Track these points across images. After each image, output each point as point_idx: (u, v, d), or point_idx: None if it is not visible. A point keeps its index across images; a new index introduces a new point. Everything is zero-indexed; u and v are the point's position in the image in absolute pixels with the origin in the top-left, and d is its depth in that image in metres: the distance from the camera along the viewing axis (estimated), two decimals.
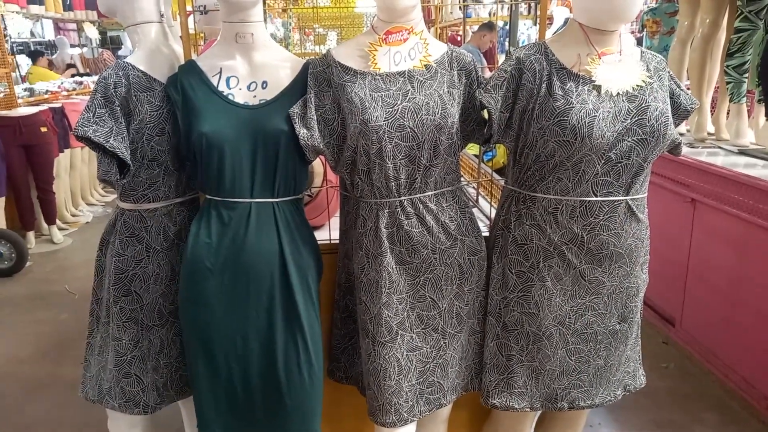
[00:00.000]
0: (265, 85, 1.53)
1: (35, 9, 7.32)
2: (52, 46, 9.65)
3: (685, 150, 3.23)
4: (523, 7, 5.87)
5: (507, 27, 6.17)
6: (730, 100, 3.25)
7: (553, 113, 1.48)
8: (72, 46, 9.82)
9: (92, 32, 9.03)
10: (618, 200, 1.54)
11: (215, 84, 1.52)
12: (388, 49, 1.52)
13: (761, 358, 2.51)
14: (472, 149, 2.82)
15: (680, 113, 1.64)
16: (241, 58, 1.54)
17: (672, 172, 3.12)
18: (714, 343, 2.85)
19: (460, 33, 6.22)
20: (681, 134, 3.66)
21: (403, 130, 1.47)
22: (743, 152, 3.07)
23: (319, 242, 1.69)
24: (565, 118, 1.46)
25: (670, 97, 1.61)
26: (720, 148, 3.25)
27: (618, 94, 1.50)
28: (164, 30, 1.62)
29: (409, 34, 1.53)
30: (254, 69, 1.54)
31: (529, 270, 1.61)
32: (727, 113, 3.38)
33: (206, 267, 1.50)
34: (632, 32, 5.84)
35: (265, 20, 1.65)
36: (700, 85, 3.50)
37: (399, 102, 1.48)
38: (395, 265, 1.57)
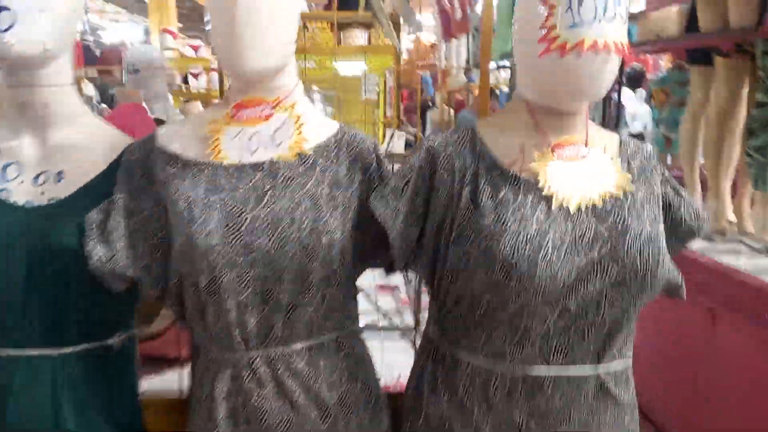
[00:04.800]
0: (60, 176, 1.05)
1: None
2: None
3: (700, 245, 2.68)
4: None
5: (510, 92, 5.80)
6: (754, 186, 2.71)
7: (477, 236, 0.96)
8: None
9: (89, 89, 8.87)
10: (582, 375, 0.99)
11: None
12: (239, 130, 1.03)
13: None
14: None
15: (681, 234, 1.10)
16: (30, 137, 1.06)
17: (685, 273, 2.55)
18: None
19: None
20: None
21: (250, 252, 0.97)
22: None
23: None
24: (494, 246, 0.94)
25: (665, 211, 1.08)
26: (743, 243, 2.69)
27: (580, 209, 0.98)
28: None
29: (273, 109, 1.04)
30: (47, 154, 1.06)
31: None
32: (752, 201, 2.84)
33: None
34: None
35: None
36: (717, 167, 2.97)
37: (248, 209, 0.98)
38: None
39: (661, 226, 1.02)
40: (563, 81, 0.94)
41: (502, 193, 0.97)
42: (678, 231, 1.10)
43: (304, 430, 1.03)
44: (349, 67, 4.20)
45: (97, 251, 0.98)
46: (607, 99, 3.59)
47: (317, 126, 1.08)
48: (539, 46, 0.94)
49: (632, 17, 3.34)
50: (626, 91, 5.92)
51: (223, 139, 1.02)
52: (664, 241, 1.01)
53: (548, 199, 0.97)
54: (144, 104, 2.64)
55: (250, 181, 1.01)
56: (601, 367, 0.99)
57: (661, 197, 1.06)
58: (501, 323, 0.97)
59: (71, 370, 1.03)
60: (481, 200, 0.97)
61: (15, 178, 1.03)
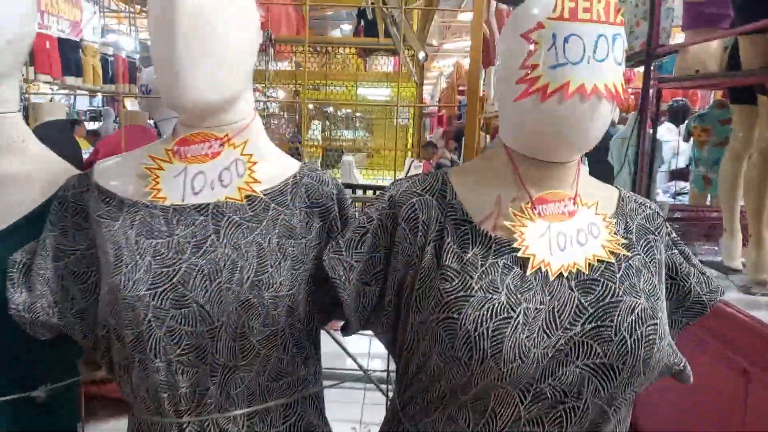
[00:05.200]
0: None
1: (70, 80, 7.34)
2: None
3: (736, 297, 2.45)
4: None
5: None
6: None
7: (438, 303, 0.82)
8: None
9: (134, 106, 9.11)
10: None
11: None
12: (183, 168, 0.93)
13: None
14: None
15: (689, 307, 0.94)
16: None
17: (718, 330, 2.33)
18: None
19: None
20: (734, 271, 2.88)
21: (183, 306, 0.86)
22: None
23: None
24: (454, 317, 0.80)
25: (670, 278, 0.93)
26: None
27: (561, 276, 0.83)
28: None
29: (221, 146, 0.94)
30: None
31: None
32: None
33: None
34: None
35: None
36: (759, 212, 2.74)
37: (185, 257, 0.88)
38: None
39: (661, 300, 0.87)
40: (544, 129, 0.81)
41: (469, 254, 0.84)
42: (685, 303, 0.94)
43: None
44: (375, 93, 4.14)
45: (16, 298, 0.89)
46: (641, 133, 3.40)
47: (274, 165, 0.97)
48: (518, 88, 0.81)
49: (671, 51, 3.15)
50: (669, 126, 5.67)
51: (163, 178, 0.92)
52: (665, 318, 0.86)
53: (524, 264, 0.83)
54: (154, 125, 2.60)
55: (190, 225, 0.90)
56: None
57: (664, 264, 0.91)
58: (463, 406, 0.83)
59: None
60: (445, 260, 0.84)
61: None
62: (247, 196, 0.93)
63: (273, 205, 0.94)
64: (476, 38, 1.16)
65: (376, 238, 0.90)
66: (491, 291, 0.81)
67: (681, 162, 5.58)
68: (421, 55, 3.18)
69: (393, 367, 1.00)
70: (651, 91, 3.30)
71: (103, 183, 0.94)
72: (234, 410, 0.91)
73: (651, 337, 0.80)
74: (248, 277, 0.87)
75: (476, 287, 0.81)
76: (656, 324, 0.81)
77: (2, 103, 0.97)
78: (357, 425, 1.18)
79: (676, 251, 0.94)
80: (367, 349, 1.66)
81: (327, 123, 5.38)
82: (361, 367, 1.32)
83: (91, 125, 9.19)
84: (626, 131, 3.78)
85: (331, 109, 5.43)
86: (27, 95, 6.24)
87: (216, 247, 0.89)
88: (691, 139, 3.55)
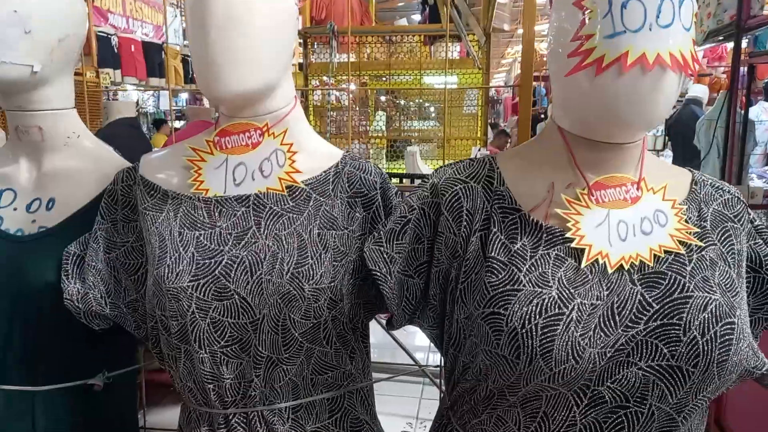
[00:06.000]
0: (51, 204, 1.00)
1: (154, 81, 7.74)
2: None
3: None
4: None
5: None
6: None
7: (483, 296, 0.77)
8: None
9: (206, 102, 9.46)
10: None
11: None
12: (224, 159, 0.92)
13: None
14: None
15: None
16: (27, 162, 1.02)
17: None
18: None
19: None
20: None
21: (225, 298, 0.85)
22: None
23: None
24: (500, 312, 0.74)
25: (753, 271, 0.82)
26: None
27: (622, 269, 0.75)
28: None
29: (261, 136, 0.92)
30: (42, 180, 1.02)
31: None
32: None
33: None
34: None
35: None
36: None
37: (226, 249, 0.87)
38: None
39: (741, 295, 0.77)
40: (601, 106, 0.73)
41: (517, 245, 0.77)
42: None
43: None
44: (441, 82, 4.06)
45: (70, 288, 0.92)
46: (731, 113, 3.13)
47: (315, 155, 0.95)
48: (571, 61, 0.74)
49: (765, 23, 2.87)
50: (765, 105, 5.21)
51: (205, 170, 0.91)
52: (744, 316, 0.76)
53: (578, 255, 0.76)
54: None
55: (232, 217, 0.89)
56: None
57: (745, 256, 0.81)
58: (512, 407, 0.77)
59: (52, 409, 0.97)
60: (491, 251, 0.78)
61: (9, 204, 1.00)
62: (287, 187, 0.91)
63: (314, 195, 0.91)
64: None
65: (418, 228, 0.86)
66: (541, 285, 0.74)
67: None
68: (482, 38, 3.07)
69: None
70: (742, 67, 3.03)
71: (148, 176, 0.94)
72: (279, 403, 0.90)
73: (727, 338, 0.71)
74: (289, 269, 0.85)
75: (524, 280, 0.75)
76: (733, 323, 0.72)
77: (56, 100, 1.00)
78: (413, 420, 1.14)
79: (760, 241, 0.83)
80: (427, 342, 1.61)
81: (395, 114, 5.34)
82: (416, 361, 1.29)
83: (176, 124, 9.67)
84: (714, 112, 3.49)
85: (402, 102, 5.38)
86: (115, 97, 6.61)
87: (257, 238, 0.88)
88: None
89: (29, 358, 0.96)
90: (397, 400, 1.01)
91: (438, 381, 1.27)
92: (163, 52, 7.73)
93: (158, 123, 8.24)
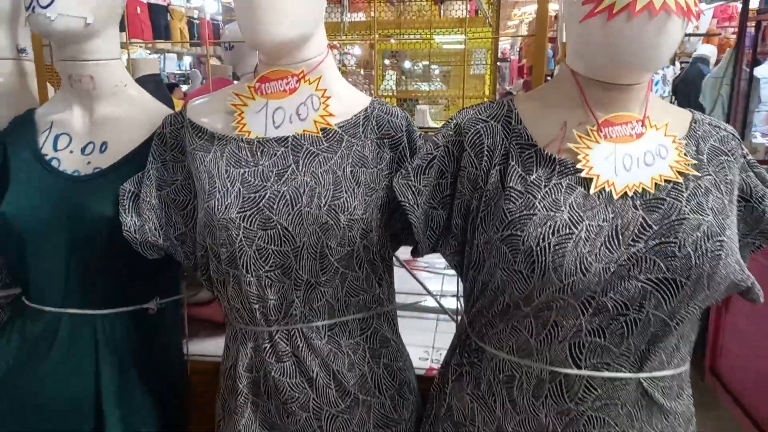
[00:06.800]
0: (104, 147, 1.09)
1: (161, 44, 7.72)
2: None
3: None
4: None
5: None
6: None
7: (502, 222, 0.87)
8: (205, 79, 10.37)
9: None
10: (620, 378, 0.87)
11: (40, 144, 1.10)
12: (264, 104, 1.01)
13: None
14: None
15: (764, 228, 0.93)
16: (79, 109, 1.11)
17: None
18: None
19: None
20: None
21: (269, 227, 0.95)
22: None
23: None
24: (517, 234, 0.84)
25: (744, 200, 0.91)
26: None
27: (626, 195, 0.85)
28: (21, 69, 1.25)
29: (298, 82, 1.00)
30: (94, 125, 1.11)
31: None
32: None
33: None
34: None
35: None
36: None
37: (269, 184, 0.96)
38: (259, 430, 1.03)
39: (731, 218, 0.86)
40: (611, 50, 0.81)
41: (533, 176, 0.87)
42: (760, 224, 0.93)
43: (322, 408, 1.01)
44: (451, 41, 4.07)
45: (128, 221, 1.02)
46: (737, 71, 3.17)
47: (346, 100, 1.03)
48: (585, 8, 0.82)
49: None
50: None
51: (247, 113, 1.00)
52: (734, 236, 0.85)
53: (587, 184, 0.85)
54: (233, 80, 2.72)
55: (272, 156, 0.99)
56: (644, 374, 0.86)
57: (736, 186, 0.90)
58: (526, 317, 0.88)
59: (111, 330, 1.08)
60: (510, 182, 0.88)
61: (65, 147, 1.10)
62: (322, 129, 1.00)
63: (346, 137, 1.00)
64: None
65: (443, 164, 0.95)
66: (554, 209, 0.84)
67: None
68: None
69: (461, 307, 1.05)
70: (750, 26, 3.06)
71: (195, 119, 1.03)
72: (317, 321, 1.00)
73: (717, 253, 0.81)
74: (326, 202, 0.95)
75: (539, 206, 0.84)
76: (723, 240, 0.81)
77: (105, 51, 1.08)
78: (429, 349, 1.26)
79: (751, 173, 0.92)
80: (440, 287, 1.74)
81: (403, 77, 5.35)
82: (429, 293, 1.40)
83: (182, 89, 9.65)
84: (720, 70, 3.53)
85: (408, 64, 5.38)
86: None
87: (296, 175, 0.97)
88: None
89: (90, 285, 1.07)
90: (414, 333, 1.13)
91: (452, 312, 1.39)
92: (168, 14, 7.69)
93: (171, 87, 8.26)
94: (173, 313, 1.22)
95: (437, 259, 2.00)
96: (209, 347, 1.41)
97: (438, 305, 1.44)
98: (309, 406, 1.00)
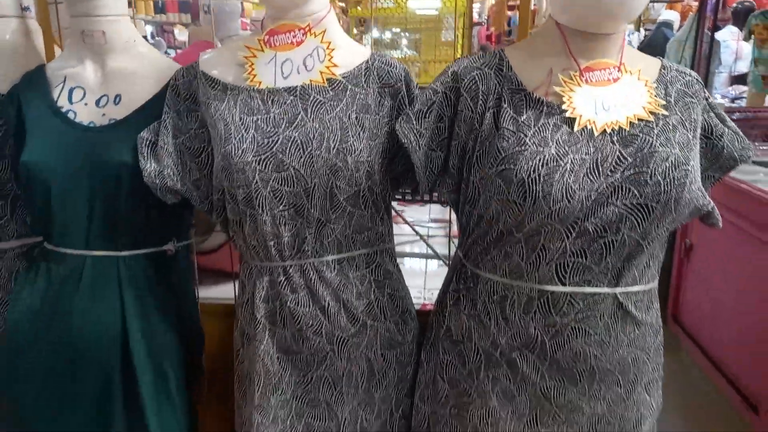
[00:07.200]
0: (118, 99, 1.15)
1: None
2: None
3: None
4: None
5: None
6: None
7: (496, 158, 0.97)
8: (170, 47, 10.14)
9: (183, 35, 9.20)
10: (599, 293, 0.99)
11: (55, 97, 1.16)
12: (273, 56, 1.08)
13: None
14: None
15: (722, 162, 1.06)
16: (92, 63, 1.17)
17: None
18: None
19: None
20: None
21: (283, 170, 1.03)
22: None
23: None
24: (510, 167, 0.95)
25: (705, 138, 1.04)
26: None
27: (605, 132, 0.96)
28: (26, 27, 1.29)
29: (304, 35, 1.08)
30: (107, 78, 1.17)
31: (467, 379, 1.10)
32: None
33: (22, 339, 1.15)
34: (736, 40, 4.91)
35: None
36: None
37: (281, 130, 1.05)
38: (277, 354, 1.13)
39: (694, 152, 0.99)
40: (590, 2, 0.91)
41: (523, 117, 0.97)
42: (719, 159, 1.05)
43: (334, 333, 1.11)
44: (425, 7, 4.12)
45: (148, 167, 1.09)
46: (699, 35, 3.33)
47: (349, 52, 1.11)
48: None
49: None
50: (732, 29, 5.42)
51: (257, 65, 1.08)
52: (696, 165, 0.98)
53: (571, 123, 0.96)
54: (217, 43, 2.75)
55: (283, 104, 1.06)
56: (620, 288, 0.99)
57: (699, 124, 1.02)
58: (518, 242, 0.99)
59: (133, 270, 1.16)
60: (502, 123, 0.98)
61: (80, 100, 1.15)
62: (328, 79, 1.08)
63: (350, 86, 1.09)
64: None
65: (441, 109, 1.04)
66: (542, 145, 0.94)
67: (743, 67, 5.36)
68: None
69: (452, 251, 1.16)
70: None
71: (207, 71, 1.10)
72: (327, 256, 1.10)
73: (682, 180, 0.93)
74: (334, 146, 1.04)
75: (529, 143, 0.95)
76: (687, 169, 0.94)
77: (115, 7, 1.14)
78: (422, 290, 1.38)
79: (712, 114, 1.04)
80: (426, 233, 1.86)
81: (374, 46, 5.37)
82: (419, 234, 1.52)
83: None
84: (683, 34, 3.68)
85: (375, 33, 5.39)
86: None
87: (305, 122, 1.05)
88: (752, 39, 3.44)
89: (111, 228, 1.14)
90: (406, 277, 1.24)
91: (442, 256, 1.51)
92: None
93: None
94: (187, 256, 1.30)
95: (423, 216, 2.12)
96: (216, 292, 1.50)
97: (429, 248, 1.56)
98: (322, 331, 1.11)
